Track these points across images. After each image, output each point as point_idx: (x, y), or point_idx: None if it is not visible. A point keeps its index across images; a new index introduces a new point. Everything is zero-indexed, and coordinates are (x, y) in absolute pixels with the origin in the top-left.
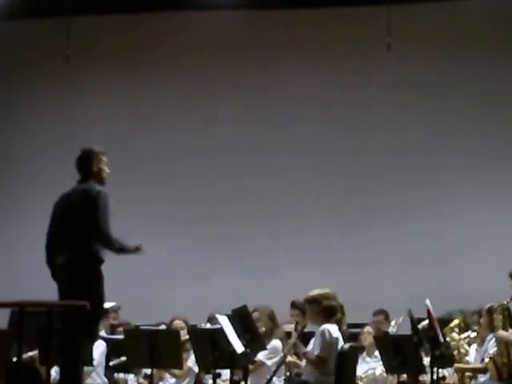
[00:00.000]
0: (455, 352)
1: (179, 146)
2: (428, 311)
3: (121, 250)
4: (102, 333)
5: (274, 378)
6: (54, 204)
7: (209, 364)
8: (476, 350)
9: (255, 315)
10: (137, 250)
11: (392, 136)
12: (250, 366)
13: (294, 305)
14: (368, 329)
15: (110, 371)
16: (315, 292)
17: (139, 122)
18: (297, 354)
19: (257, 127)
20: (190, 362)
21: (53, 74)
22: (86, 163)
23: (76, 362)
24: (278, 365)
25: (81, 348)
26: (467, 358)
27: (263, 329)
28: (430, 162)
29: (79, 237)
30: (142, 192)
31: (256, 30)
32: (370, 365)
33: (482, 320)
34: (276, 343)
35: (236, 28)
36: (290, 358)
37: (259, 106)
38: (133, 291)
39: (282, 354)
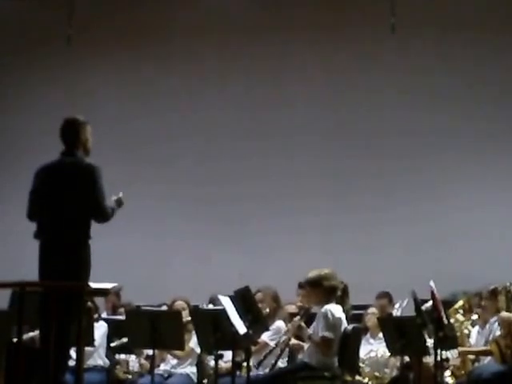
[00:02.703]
0: (458, 334)
1: (180, 127)
2: (432, 292)
3: (113, 216)
4: (104, 314)
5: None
6: (37, 175)
7: (211, 345)
8: (478, 332)
9: (258, 296)
10: (120, 205)
11: (394, 118)
12: (253, 347)
13: (300, 285)
14: (372, 310)
15: (111, 352)
16: (315, 273)
17: (141, 103)
18: (298, 337)
19: (257, 108)
20: (192, 343)
21: (54, 54)
22: (74, 133)
23: (68, 342)
24: (283, 348)
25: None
26: (470, 340)
27: (267, 310)
28: (432, 145)
29: (71, 212)
30: (142, 173)
31: (258, 14)
32: (373, 346)
33: (484, 302)
34: (279, 324)
35: (239, 10)
36: (293, 341)
37: (262, 87)
38: (134, 272)
39: (285, 336)
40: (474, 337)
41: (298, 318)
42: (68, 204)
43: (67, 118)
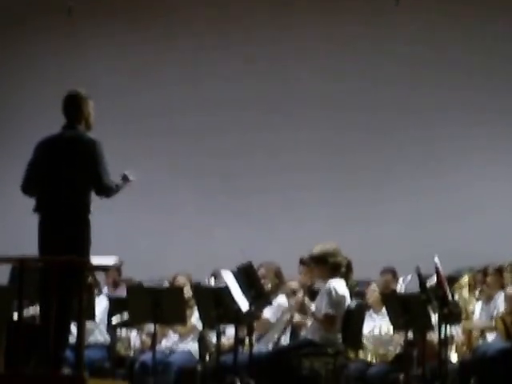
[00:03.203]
0: (463, 310)
1: (183, 100)
2: (436, 268)
3: (118, 191)
4: (105, 289)
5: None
6: (37, 148)
7: (213, 321)
8: (482, 307)
9: (261, 271)
10: (126, 181)
11: (402, 91)
12: (255, 323)
13: (302, 261)
14: (373, 286)
15: (112, 328)
16: (319, 248)
17: (142, 75)
18: (301, 313)
19: (264, 82)
20: (194, 319)
21: (54, 27)
22: (76, 106)
23: (69, 318)
24: (286, 325)
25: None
26: (474, 316)
27: (269, 285)
28: (440, 117)
29: (71, 186)
30: (142, 145)
31: None
32: (376, 322)
33: (489, 278)
34: (281, 300)
35: None
36: (296, 318)
37: (268, 59)
38: (135, 247)
39: (288, 313)
40: (477, 312)
41: (300, 294)
42: (68, 178)
43: (69, 92)
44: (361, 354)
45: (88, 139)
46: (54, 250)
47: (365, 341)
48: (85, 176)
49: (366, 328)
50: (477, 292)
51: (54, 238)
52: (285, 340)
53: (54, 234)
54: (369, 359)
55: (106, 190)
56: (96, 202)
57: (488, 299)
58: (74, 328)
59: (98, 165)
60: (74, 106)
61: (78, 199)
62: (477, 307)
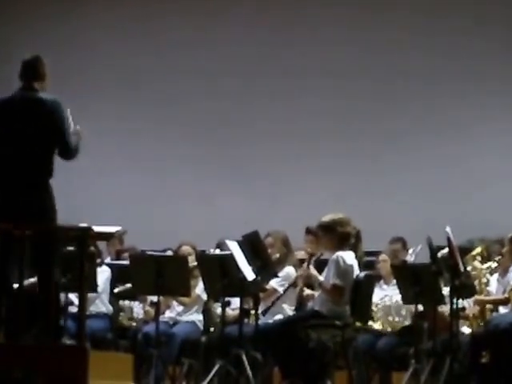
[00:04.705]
0: (476, 282)
1: (182, 65)
2: (448, 239)
3: (78, 151)
4: (107, 259)
5: (285, 306)
6: None
7: (218, 292)
8: (498, 280)
9: (268, 240)
10: (80, 139)
11: (416, 59)
12: (261, 294)
13: (308, 230)
14: (383, 257)
15: (114, 298)
16: (329, 218)
17: (142, 39)
18: (309, 285)
19: (264, 48)
20: (198, 289)
21: None
22: (35, 67)
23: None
24: (297, 297)
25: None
26: (488, 289)
27: (277, 255)
28: (453, 87)
29: (32, 148)
30: (144, 114)
31: None
32: (387, 292)
33: (504, 249)
34: (289, 270)
35: None
36: (307, 291)
37: (270, 25)
38: (139, 215)
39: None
40: (494, 285)
41: (306, 265)
42: (29, 140)
43: (30, 54)
44: (369, 322)
45: (51, 99)
46: (16, 215)
47: (374, 307)
48: (47, 138)
49: (377, 298)
50: (490, 263)
51: (16, 203)
52: (290, 310)
53: (16, 199)
54: (377, 327)
55: (71, 152)
56: (100, 170)
57: (504, 271)
58: (75, 298)
59: (62, 126)
60: (35, 67)
61: (40, 162)
62: (493, 279)
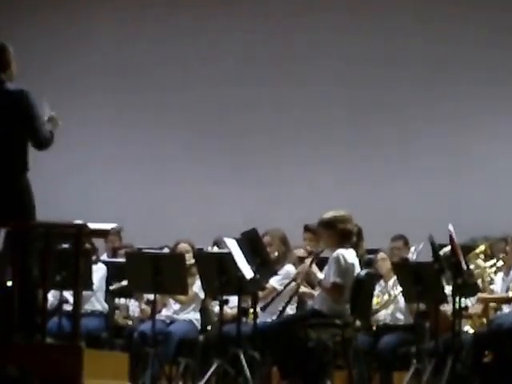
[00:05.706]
0: (479, 281)
1: (189, 56)
2: (450, 237)
3: (53, 139)
4: (103, 256)
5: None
6: None
7: (215, 290)
8: (502, 279)
9: (266, 239)
10: (56, 125)
11: (411, 47)
12: (260, 293)
13: (307, 228)
14: (381, 255)
15: (110, 296)
16: (330, 214)
17: (140, 28)
18: (309, 283)
19: (267, 33)
20: (196, 287)
21: None
22: (2, 56)
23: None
24: (292, 294)
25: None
26: (492, 287)
27: (275, 253)
28: (459, 76)
29: (4, 141)
30: (149, 100)
31: None
32: (387, 289)
33: (508, 247)
34: (289, 268)
35: None
36: (303, 288)
37: (274, 12)
38: (136, 212)
39: (293, 282)
40: (499, 284)
41: (309, 262)
42: (1, 132)
43: None
44: None
45: (17, 90)
46: None
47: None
48: (19, 129)
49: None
50: (495, 261)
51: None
52: (291, 310)
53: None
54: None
55: (46, 142)
56: (105, 166)
57: (508, 269)
58: (70, 296)
59: (32, 116)
60: (2, 55)
61: (13, 154)
62: (498, 278)
